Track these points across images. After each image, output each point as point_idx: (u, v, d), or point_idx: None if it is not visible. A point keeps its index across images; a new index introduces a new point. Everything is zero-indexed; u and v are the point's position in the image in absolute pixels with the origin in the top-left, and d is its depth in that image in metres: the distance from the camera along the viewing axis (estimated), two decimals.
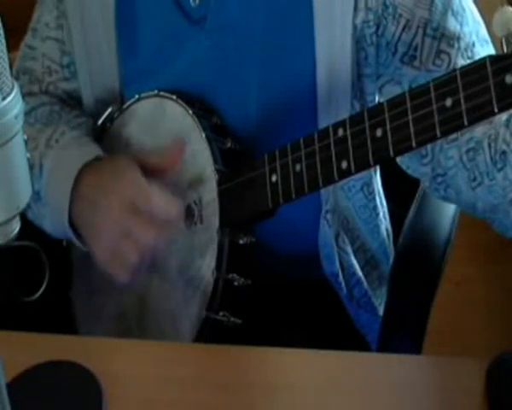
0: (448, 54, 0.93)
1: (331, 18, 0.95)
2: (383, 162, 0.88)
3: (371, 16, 0.94)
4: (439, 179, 0.96)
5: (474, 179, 0.90)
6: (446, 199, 0.98)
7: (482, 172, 0.89)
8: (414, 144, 0.79)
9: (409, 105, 0.79)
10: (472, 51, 0.93)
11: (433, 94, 0.77)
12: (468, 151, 0.91)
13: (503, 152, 0.86)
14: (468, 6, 0.96)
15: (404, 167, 1.00)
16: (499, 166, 0.86)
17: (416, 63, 0.95)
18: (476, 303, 1.88)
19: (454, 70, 0.76)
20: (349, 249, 1.08)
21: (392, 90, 0.97)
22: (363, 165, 0.84)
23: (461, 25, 0.94)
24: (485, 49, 0.95)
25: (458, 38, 0.93)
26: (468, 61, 0.92)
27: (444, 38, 0.93)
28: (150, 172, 0.97)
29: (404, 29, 0.94)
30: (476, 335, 1.80)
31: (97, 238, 0.96)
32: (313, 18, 0.96)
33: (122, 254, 0.93)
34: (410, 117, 0.79)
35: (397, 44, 0.95)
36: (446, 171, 0.94)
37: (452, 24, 0.93)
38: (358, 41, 0.96)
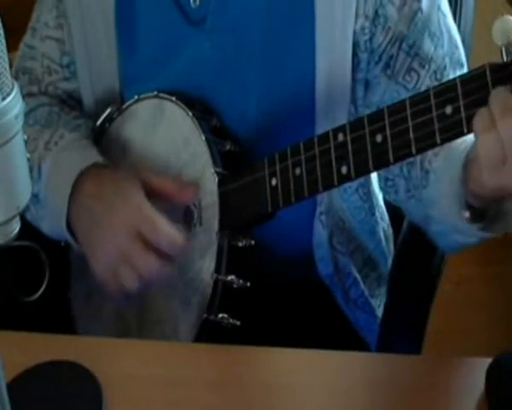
0: (417, 73, 0.96)
1: (332, 22, 0.95)
2: (383, 168, 0.88)
3: (367, 23, 0.95)
4: (390, 183, 1.01)
5: (409, 191, 0.97)
6: (396, 202, 1.04)
7: (415, 185, 0.95)
8: (414, 151, 0.80)
9: (409, 112, 0.79)
10: (441, 74, 0.96)
11: (433, 101, 0.78)
12: (407, 164, 0.96)
13: (427, 171, 0.92)
14: (446, 29, 0.98)
15: None
16: (424, 183, 0.93)
17: (389, 72, 0.97)
18: (476, 303, 1.89)
19: (454, 78, 0.77)
20: (344, 250, 1.08)
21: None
22: (362, 170, 0.85)
23: (435, 47, 0.96)
24: (456, 72, 0.97)
25: (430, 60, 0.96)
26: (437, 83, 0.93)
27: (417, 58, 0.96)
28: (152, 191, 0.96)
29: (390, 41, 0.96)
30: (476, 335, 1.80)
31: (97, 255, 0.96)
32: (315, 21, 0.96)
33: (120, 278, 0.94)
34: (410, 124, 0.79)
35: (382, 55, 0.97)
36: (394, 177, 0.99)
37: (427, 45, 0.96)
38: (353, 47, 0.96)
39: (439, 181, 0.90)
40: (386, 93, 0.97)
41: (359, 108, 1.00)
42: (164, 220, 0.92)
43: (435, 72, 0.96)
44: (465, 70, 0.98)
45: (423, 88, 0.94)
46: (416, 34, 0.95)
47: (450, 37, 0.98)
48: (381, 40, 0.96)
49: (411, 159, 0.93)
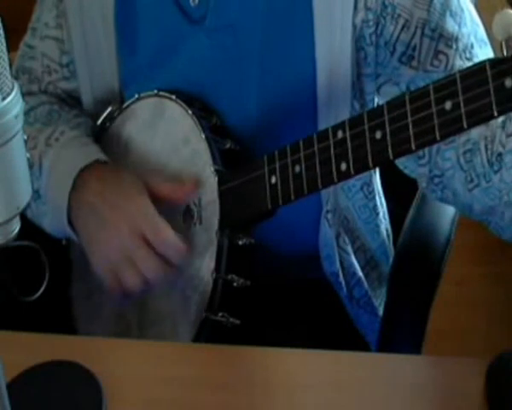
0: (446, 55, 0.93)
1: (331, 18, 0.95)
2: (382, 164, 0.88)
3: (370, 16, 0.94)
4: (437, 180, 0.96)
5: (471, 181, 0.90)
6: (443, 200, 0.98)
7: (479, 173, 0.89)
8: (413, 147, 0.79)
9: (408, 108, 0.79)
10: (470, 52, 0.94)
11: (432, 97, 0.77)
12: (465, 153, 0.91)
13: (500, 154, 0.86)
14: (466, 7, 0.96)
15: (401, 167, 1.00)
16: (496, 168, 0.87)
17: (414, 63, 0.95)
18: (476, 303, 1.88)
19: (453, 73, 0.76)
20: (349, 249, 1.08)
21: (390, 91, 0.97)
22: (362, 167, 0.84)
23: (459, 26, 0.94)
24: (483, 50, 0.95)
25: (456, 39, 0.93)
26: (467, 62, 0.92)
27: (442, 39, 0.93)
28: (154, 193, 0.96)
29: (402, 29, 0.94)
30: (476, 335, 1.80)
31: (99, 253, 0.97)
32: (313, 18, 0.96)
33: (122, 277, 0.94)
34: (409, 120, 0.79)
35: (395, 44, 0.95)
36: (443, 172, 0.94)
37: (450, 25, 0.93)
38: (358, 41, 0.96)
39: None
40: (414, 83, 0.95)
41: (369, 104, 1.00)
42: (168, 227, 0.93)
43: (464, 51, 0.93)
44: (489, 48, 0.96)
45: (455, 69, 0.91)
46: (438, 16, 0.93)
47: (471, 15, 0.96)
48: (391, 30, 0.94)
49: (468, 146, 0.90)
